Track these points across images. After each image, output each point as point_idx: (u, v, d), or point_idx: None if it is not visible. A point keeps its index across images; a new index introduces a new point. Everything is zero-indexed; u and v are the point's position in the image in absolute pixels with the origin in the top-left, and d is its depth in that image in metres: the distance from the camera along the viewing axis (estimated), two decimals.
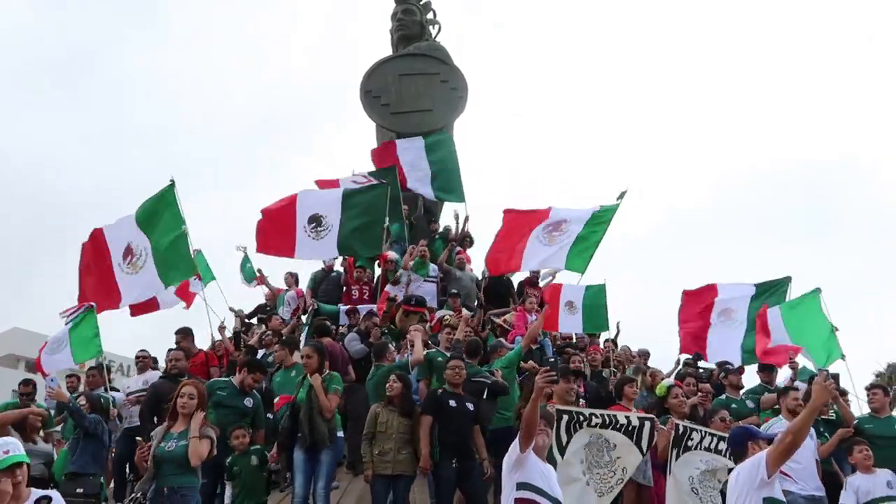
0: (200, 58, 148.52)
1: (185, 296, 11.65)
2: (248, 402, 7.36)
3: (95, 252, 9.97)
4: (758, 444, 4.77)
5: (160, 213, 10.01)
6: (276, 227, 11.07)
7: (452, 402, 6.80)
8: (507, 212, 11.10)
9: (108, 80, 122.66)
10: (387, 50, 16.43)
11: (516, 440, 4.71)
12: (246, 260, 14.25)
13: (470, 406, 6.90)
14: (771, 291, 10.96)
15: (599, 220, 10.02)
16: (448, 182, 13.35)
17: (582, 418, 6.11)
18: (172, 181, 9.94)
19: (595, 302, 10.29)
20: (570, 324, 10.37)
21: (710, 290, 11.00)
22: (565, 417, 6.03)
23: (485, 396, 7.17)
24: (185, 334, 9.86)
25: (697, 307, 10.95)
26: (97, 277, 9.92)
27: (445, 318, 9.45)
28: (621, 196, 10.13)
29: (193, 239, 10.29)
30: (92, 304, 9.41)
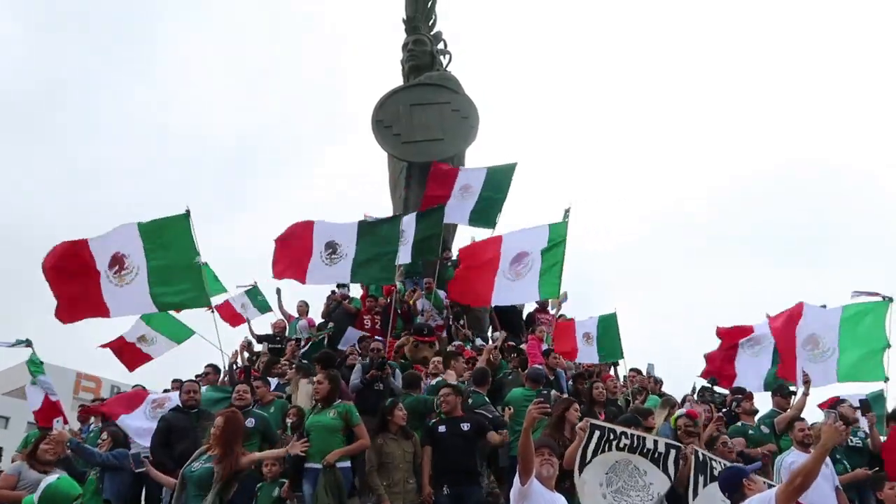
0: (189, 84, 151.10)
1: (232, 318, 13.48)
2: (250, 422, 7.35)
3: (77, 259, 9.58)
4: (751, 480, 4.89)
5: (169, 237, 9.79)
6: (292, 253, 11.22)
7: (441, 429, 6.93)
8: (461, 250, 11.66)
9: (87, 111, 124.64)
10: (386, 77, 16.58)
11: (517, 474, 4.68)
12: (256, 292, 14.31)
13: (465, 427, 6.89)
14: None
15: (555, 242, 10.17)
16: (487, 211, 13.37)
17: (612, 436, 6.07)
18: (188, 210, 9.75)
19: (608, 332, 10.38)
20: (588, 354, 10.61)
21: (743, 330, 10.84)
22: (597, 433, 6.02)
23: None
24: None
25: (728, 342, 10.79)
26: (80, 284, 9.58)
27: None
28: (566, 214, 10.34)
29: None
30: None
